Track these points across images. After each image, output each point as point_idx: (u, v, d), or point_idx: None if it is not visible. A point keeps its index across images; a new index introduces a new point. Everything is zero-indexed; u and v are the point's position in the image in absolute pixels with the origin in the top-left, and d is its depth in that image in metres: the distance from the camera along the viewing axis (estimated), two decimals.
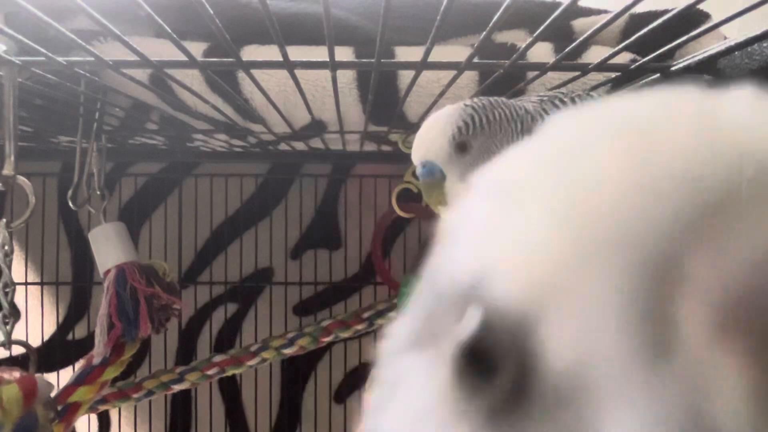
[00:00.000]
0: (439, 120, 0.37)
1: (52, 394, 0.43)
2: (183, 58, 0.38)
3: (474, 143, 0.37)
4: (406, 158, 0.78)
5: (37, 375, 0.41)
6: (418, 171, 0.38)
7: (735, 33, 0.40)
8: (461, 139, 0.37)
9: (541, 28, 0.33)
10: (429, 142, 0.37)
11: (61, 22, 0.35)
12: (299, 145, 0.83)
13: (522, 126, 0.37)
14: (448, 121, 0.37)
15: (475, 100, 0.38)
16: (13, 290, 0.46)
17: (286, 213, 0.99)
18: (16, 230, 0.95)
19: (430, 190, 0.38)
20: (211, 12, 0.31)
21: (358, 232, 1.00)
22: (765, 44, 0.35)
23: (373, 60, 0.40)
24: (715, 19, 0.38)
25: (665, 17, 0.35)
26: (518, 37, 0.60)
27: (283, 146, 0.83)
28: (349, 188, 1.00)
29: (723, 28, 0.53)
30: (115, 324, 0.65)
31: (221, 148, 0.88)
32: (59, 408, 0.65)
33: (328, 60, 0.39)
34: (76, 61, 0.41)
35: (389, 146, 0.82)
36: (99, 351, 0.67)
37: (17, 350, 0.89)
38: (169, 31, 0.34)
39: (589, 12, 0.59)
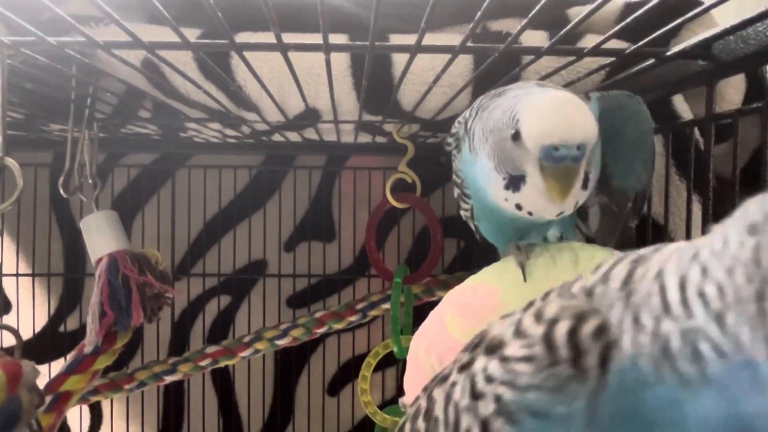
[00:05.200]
0: (582, 104, 0.33)
1: (39, 380, 0.42)
2: (176, 39, 0.38)
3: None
4: (400, 150, 0.78)
5: (23, 360, 0.41)
6: (567, 154, 0.32)
7: (731, 21, 0.40)
8: None
9: (537, 7, 0.33)
10: (590, 123, 0.33)
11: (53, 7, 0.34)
12: (293, 136, 0.83)
13: None
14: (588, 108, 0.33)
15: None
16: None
17: (279, 205, 0.99)
18: (7, 221, 0.95)
19: (572, 181, 0.33)
20: None
21: (352, 225, 0.99)
22: (760, 27, 0.35)
23: (366, 43, 0.40)
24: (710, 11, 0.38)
25: None
26: (513, 26, 0.60)
27: (277, 137, 0.82)
28: (344, 180, 0.99)
29: (718, 18, 0.53)
30: (106, 312, 0.65)
31: (215, 138, 0.87)
32: (51, 397, 0.65)
33: (321, 43, 0.39)
34: (66, 41, 0.40)
35: (383, 137, 0.82)
36: (90, 340, 0.66)
37: (8, 341, 0.89)
38: (161, 9, 0.33)
39: (584, 1, 0.60)
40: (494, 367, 0.21)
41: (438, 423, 0.23)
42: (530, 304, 0.23)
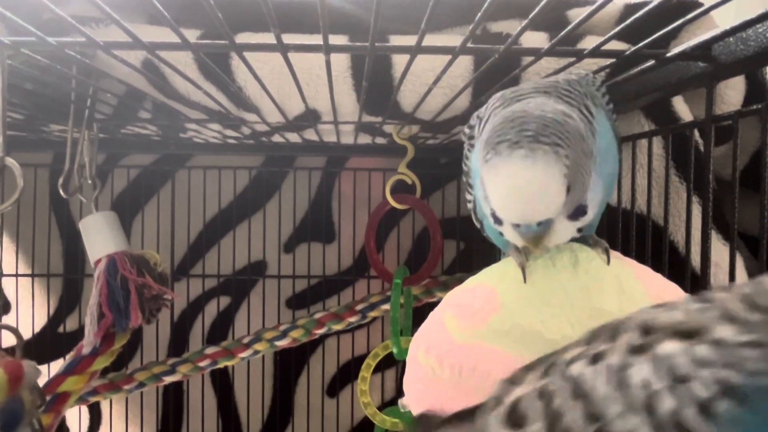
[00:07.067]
0: (551, 173, 0.32)
1: (40, 380, 0.42)
2: (176, 40, 0.38)
3: (571, 183, 0.33)
4: (400, 151, 0.78)
5: (25, 360, 0.41)
6: (528, 230, 0.33)
7: (731, 23, 0.40)
8: (568, 182, 0.32)
9: (537, 9, 0.33)
10: (549, 201, 0.32)
11: (53, 7, 0.34)
12: (293, 137, 0.83)
13: (577, 136, 0.33)
14: (559, 171, 0.32)
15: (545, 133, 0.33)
16: (0, 274, 0.45)
17: (279, 206, 0.99)
18: (7, 221, 0.95)
19: (544, 240, 0.34)
20: None
21: (351, 226, 0.99)
22: (760, 29, 0.35)
23: (367, 44, 0.40)
24: (710, 13, 0.38)
25: (658, 0, 0.35)
26: (513, 28, 0.60)
27: (277, 138, 0.82)
28: (343, 181, 1.00)
29: (717, 20, 0.54)
30: (105, 314, 0.65)
31: (215, 139, 0.88)
32: (48, 398, 0.65)
33: (321, 44, 0.39)
34: (67, 42, 0.40)
35: (383, 138, 0.82)
36: (89, 341, 0.66)
37: (9, 341, 0.89)
38: (161, 9, 0.33)
39: (585, 2, 0.60)
40: (704, 351, 0.21)
41: (608, 401, 0.23)
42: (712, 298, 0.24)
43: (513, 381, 0.29)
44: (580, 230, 0.36)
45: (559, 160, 0.32)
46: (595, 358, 0.25)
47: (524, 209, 0.33)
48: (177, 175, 0.98)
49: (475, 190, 0.42)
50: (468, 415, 0.31)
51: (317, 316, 0.85)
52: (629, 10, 0.55)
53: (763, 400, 0.19)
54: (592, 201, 0.35)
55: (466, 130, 0.42)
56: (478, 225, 0.45)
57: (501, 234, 0.37)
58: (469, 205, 0.45)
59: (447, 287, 0.84)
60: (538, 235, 0.33)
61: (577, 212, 0.35)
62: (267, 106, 0.60)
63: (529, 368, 0.29)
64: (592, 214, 0.36)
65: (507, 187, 0.33)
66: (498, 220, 0.36)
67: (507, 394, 0.28)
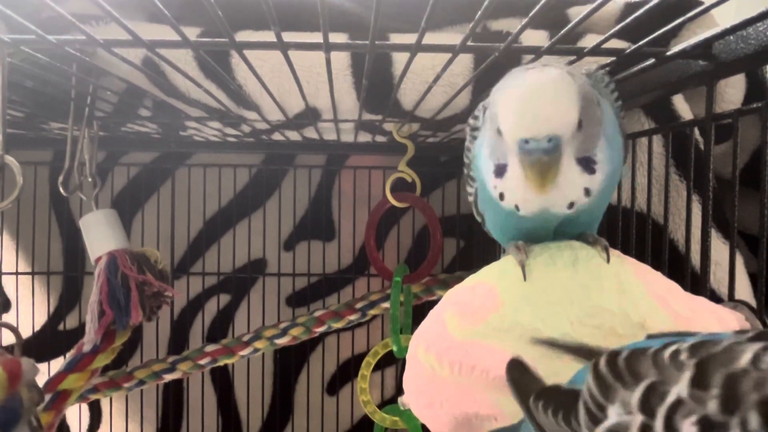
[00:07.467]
0: (566, 86, 0.32)
1: (38, 378, 0.42)
2: (176, 38, 0.38)
3: (583, 117, 0.32)
4: (400, 149, 0.78)
5: (23, 358, 0.41)
6: (538, 148, 0.32)
7: (731, 21, 0.40)
8: (581, 114, 0.32)
9: (537, 7, 0.33)
10: (562, 112, 0.32)
11: (53, 5, 0.34)
12: (293, 135, 0.83)
13: (591, 95, 0.34)
14: (574, 89, 0.32)
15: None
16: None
17: (279, 204, 0.99)
18: (7, 219, 0.95)
19: (551, 172, 0.32)
20: None
21: (351, 224, 1.00)
22: (760, 27, 0.35)
23: (367, 42, 0.40)
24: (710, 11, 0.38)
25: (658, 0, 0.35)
26: (513, 26, 0.60)
27: (277, 136, 0.82)
28: (343, 179, 1.00)
29: (718, 18, 0.54)
30: (105, 311, 0.65)
31: (215, 137, 0.88)
32: (49, 396, 0.65)
33: (321, 42, 0.39)
34: (67, 39, 0.40)
35: (383, 137, 0.82)
36: (89, 338, 0.66)
37: (8, 340, 0.89)
38: (162, 7, 0.33)
39: (585, 1, 0.60)
40: None
41: None
42: None
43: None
44: (587, 193, 0.35)
45: (573, 80, 0.32)
46: (710, 427, 0.21)
47: (534, 117, 0.32)
48: (177, 173, 0.98)
49: (477, 180, 0.41)
50: (567, 397, 0.28)
51: (317, 314, 0.85)
52: (629, 8, 0.55)
53: None
54: (600, 164, 0.35)
55: (471, 121, 0.42)
56: (479, 219, 0.45)
57: (501, 198, 0.36)
58: (470, 199, 0.45)
59: (447, 285, 0.84)
60: (545, 161, 0.32)
61: (586, 161, 0.34)
62: (267, 104, 0.60)
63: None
64: (600, 179, 0.35)
65: (520, 93, 0.33)
66: (500, 171, 0.35)
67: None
